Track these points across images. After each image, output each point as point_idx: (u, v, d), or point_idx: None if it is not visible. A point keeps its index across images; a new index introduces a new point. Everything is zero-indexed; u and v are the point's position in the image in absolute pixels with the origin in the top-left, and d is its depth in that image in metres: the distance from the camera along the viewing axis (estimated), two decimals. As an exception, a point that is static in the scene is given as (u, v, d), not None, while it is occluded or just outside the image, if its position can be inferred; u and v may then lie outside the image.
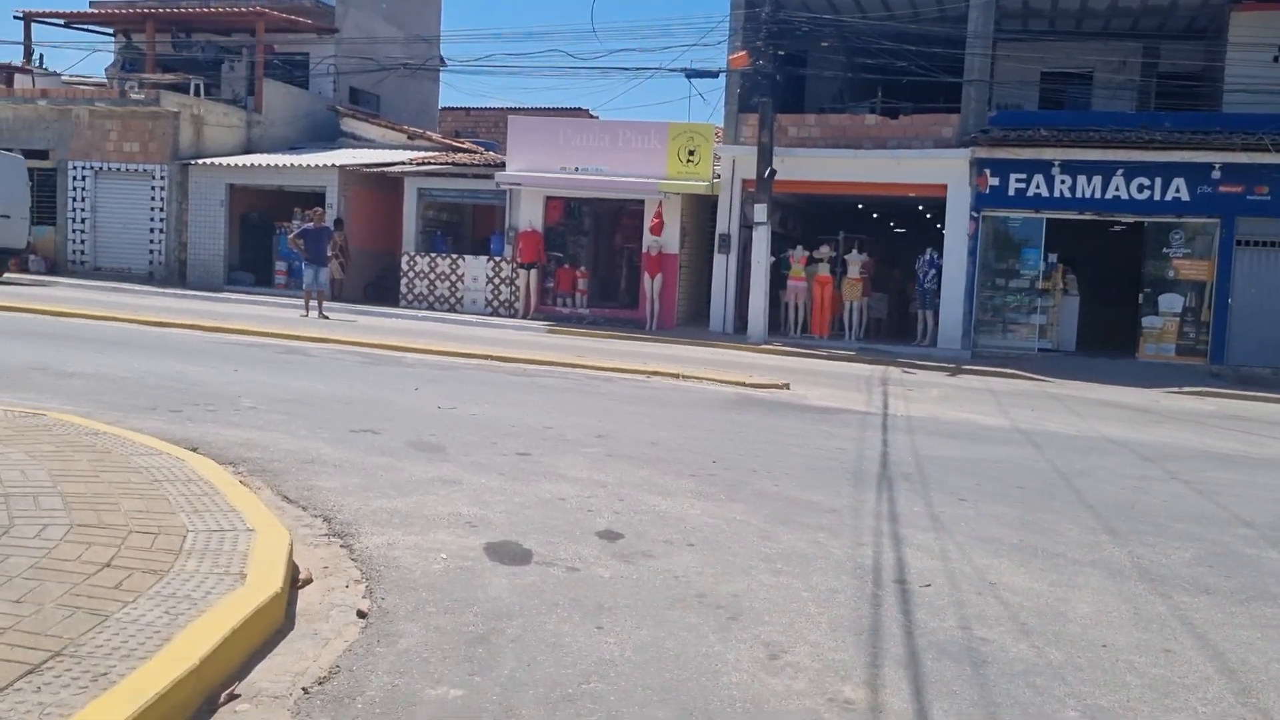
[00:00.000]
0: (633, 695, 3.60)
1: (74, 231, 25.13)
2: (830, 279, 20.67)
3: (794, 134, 20.61)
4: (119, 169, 24.75)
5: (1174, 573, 5.48)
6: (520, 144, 21.91)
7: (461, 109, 36.78)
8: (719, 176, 21.03)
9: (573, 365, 13.49)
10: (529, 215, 21.93)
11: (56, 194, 25.18)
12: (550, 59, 48.77)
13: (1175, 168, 18.44)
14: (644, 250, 21.27)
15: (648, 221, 21.27)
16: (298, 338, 14.55)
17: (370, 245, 24.23)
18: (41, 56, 29.12)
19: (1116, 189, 18.83)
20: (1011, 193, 19.36)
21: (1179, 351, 19.02)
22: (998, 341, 19.90)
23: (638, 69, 47.84)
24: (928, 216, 26.08)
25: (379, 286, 24.27)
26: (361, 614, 4.35)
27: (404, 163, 23.59)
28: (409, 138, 27.16)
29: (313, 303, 18.73)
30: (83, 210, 25.03)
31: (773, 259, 19.84)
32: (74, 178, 24.98)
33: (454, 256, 22.83)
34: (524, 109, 28.96)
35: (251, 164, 23.90)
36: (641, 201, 21.55)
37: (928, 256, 19.99)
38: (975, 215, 19.57)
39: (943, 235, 20.31)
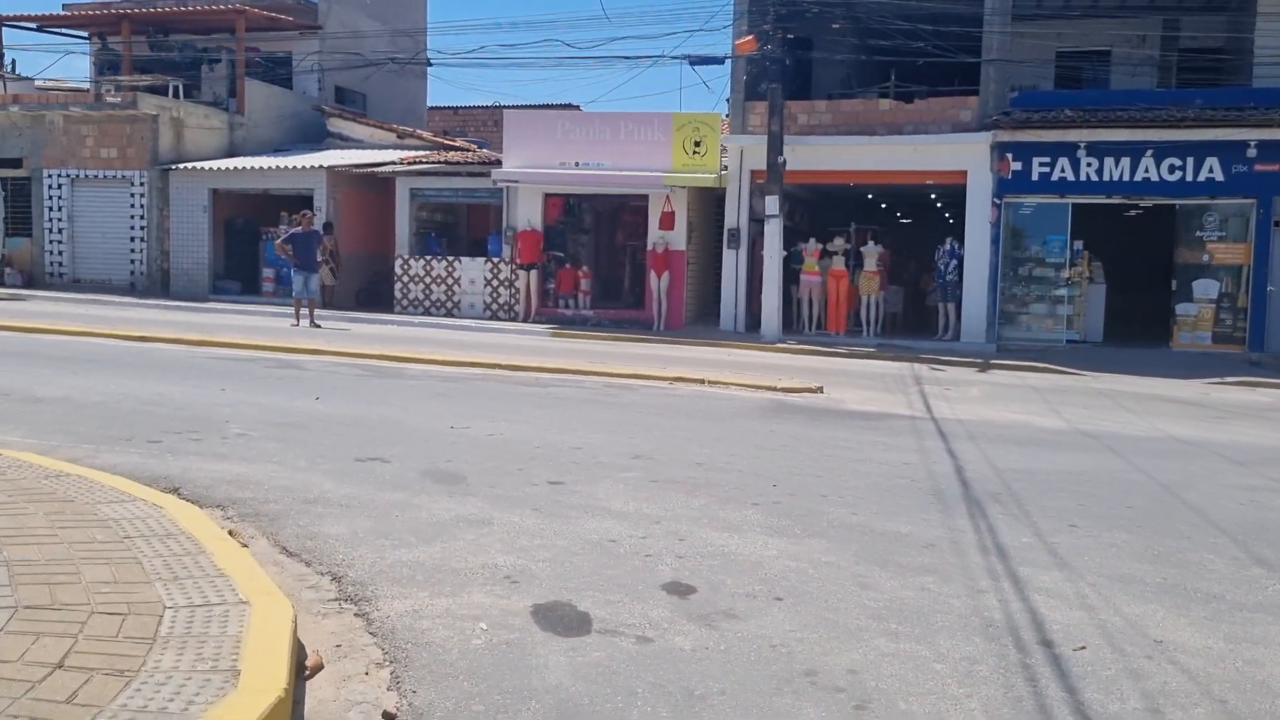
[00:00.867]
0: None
1: (51, 242, 24.02)
2: (845, 273, 19.71)
3: (804, 121, 19.65)
4: (96, 176, 23.64)
5: (1359, 616, 4.56)
6: (517, 139, 20.90)
7: (449, 108, 35.74)
8: (726, 168, 20.06)
9: (587, 373, 12.51)
10: (527, 214, 20.94)
11: (32, 204, 24.05)
12: (545, 49, 47.21)
13: (1208, 146, 17.53)
14: (650, 247, 20.29)
15: (653, 217, 20.30)
16: (290, 350, 13.54)
17: (362, 249, 23.19)
18: (14, 62, 27.98)
19: (1146, 170, 17.91)
20: (1035, 177, 18.43)
21: (1215, 339, 18.12)
22: (1023, 334, 18.97)
23: (639, 57, 46.47)
24: (938, 205, 25.21)
25: (372, 292, 23.24)
26: (389, 717, 3.40)
27: (395, 162, 22.57)
28: (399, 137, 26.11)
29: (303, 311, 17.73)
30: (60, 220, 23.91)
31: (784, 253, 18.90)
32: (50, 186, 23.86)
33: (450, 259, 21.82)
34: (513, 107, 27.83)
35: (235, 167, 22.82)
36: (645, 197, 20.56)
37: (948, 247, 19.05)
38: (997, 202, 18.63)
39: (955, 225, 19.37)
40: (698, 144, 19.72)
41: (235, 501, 5.72)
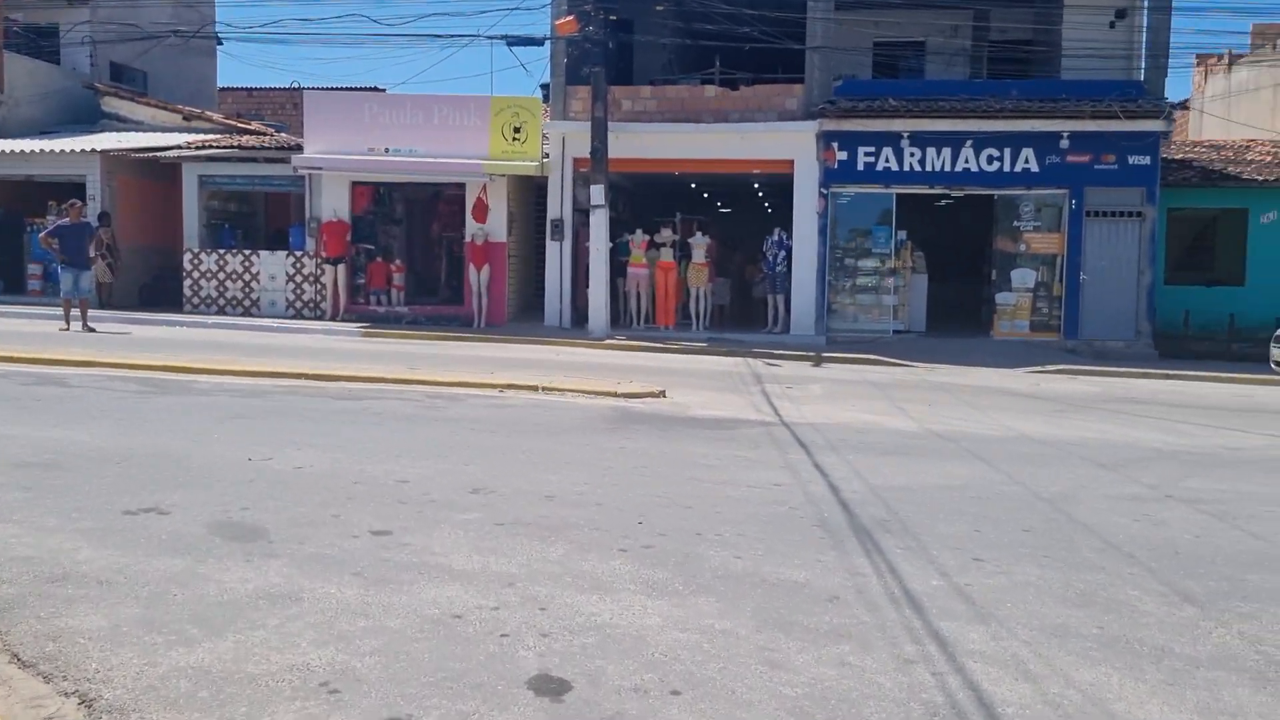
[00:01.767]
0: None
1: None
2: (674, 265, 19.05)
3: (628, 108, 18.85)
4: None
5: (1315, 664, 4.05)
6: (319, 123, 19.22)
7: (244, 89, 33.16)
8: (548, 156, 19.05)
9: (408, 381, 11.29)
10: (333, 203, 19.31)
11: None
12: (349, 25, 44.18)
13: (1024, 138, 17.80)
14: (468, 239, 19.05)
15: (469, 207, 19.09)
16: (53, 361, 11.66)
17: (145, 242, 20.92)
18: None
19: (966, 161, 18.04)
20: (860, 167, 18.27)
21: (1033, 328, 18.46)
22: (850, 325, 18.82)
23: (452, 36, 44.18)
24: (761, 196, 24.99)
25: (157, 289, 20.99)
26: None
27: (180, 146, 20.42)
28: (185, 119, 23.77)
29: (74, 313, 15.66)
30: None
31: (610, 245, 18.09)
32: None
33: (246, 252, 19.92)
34: (315, 88, 25.83)
35: (-9, 150, 20.15)
36: (462, 185, 19.30)
37: (776, 237, 18.67)
38: (824, 192, 18.38)
39: (780, 216, 19.05)
40: (518, 130, 18.61)
41: (-47, 585, 4.37)
